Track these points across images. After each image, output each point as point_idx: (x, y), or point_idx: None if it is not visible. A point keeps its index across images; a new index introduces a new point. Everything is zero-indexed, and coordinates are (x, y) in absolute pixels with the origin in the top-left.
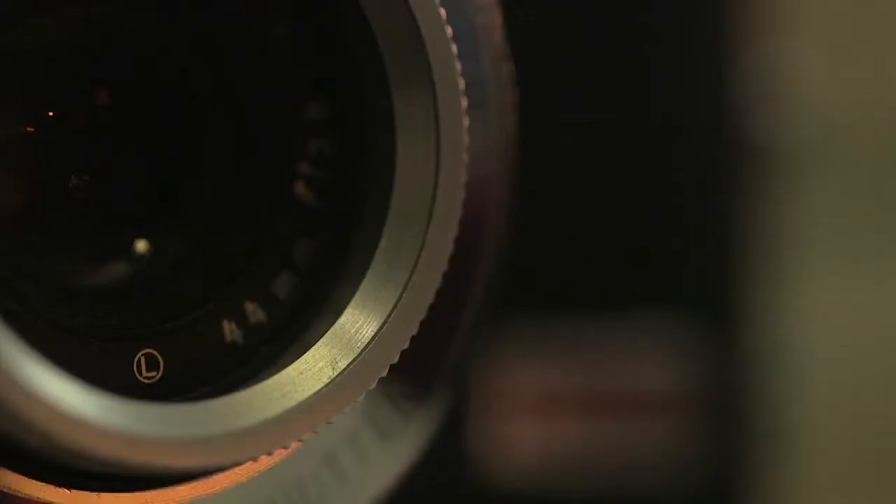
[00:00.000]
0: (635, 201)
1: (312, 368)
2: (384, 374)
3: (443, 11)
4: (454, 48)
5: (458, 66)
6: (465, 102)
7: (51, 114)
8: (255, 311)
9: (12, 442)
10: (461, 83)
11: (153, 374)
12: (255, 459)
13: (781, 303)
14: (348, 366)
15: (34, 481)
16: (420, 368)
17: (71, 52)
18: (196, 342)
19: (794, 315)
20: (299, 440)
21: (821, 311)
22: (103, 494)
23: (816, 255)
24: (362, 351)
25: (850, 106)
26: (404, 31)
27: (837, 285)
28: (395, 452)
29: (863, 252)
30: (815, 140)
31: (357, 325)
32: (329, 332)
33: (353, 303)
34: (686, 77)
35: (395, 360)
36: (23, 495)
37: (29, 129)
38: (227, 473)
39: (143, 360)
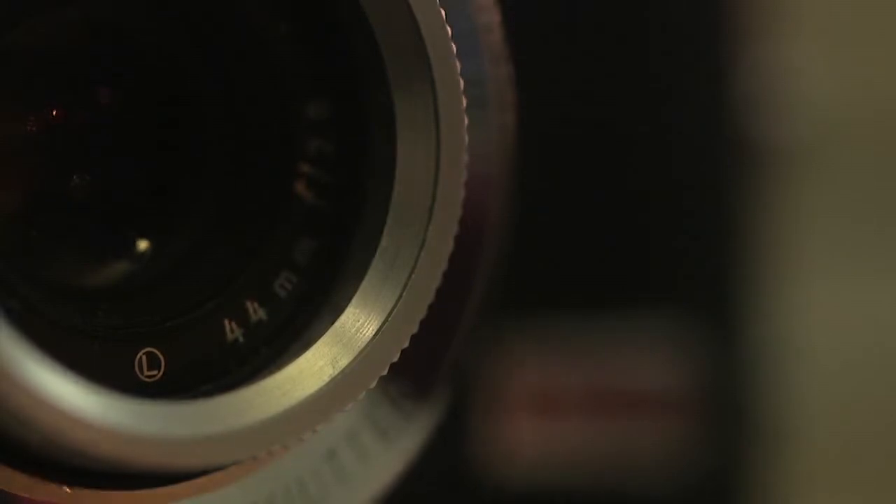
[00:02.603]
0: (635, 201)
1: (313, 367)
2: (384, 373)
3: (443, 11)
4: (454, 48)
5: (458, 66)
6: (465, 102)
7: (53, 114)
8: (255, 310)
9: (12, 440)
10: (461, 83)
11: (154, 373)
12: (255, 458)
13: (780, 302)
14: (349, 365)
15: (33, 479)
16: (420, 368)
17: (72, 52)
18: (197, 341)
19: (792, 314)
20: (300, 439)
21: (819, 309)
22: (103, 492)
23: (814, 254)
24: (363, 350)
25: (848, 105)
26: (404, 31)
27: (835, 284)
28: (395, 451)
29: (859, 250)
30: (813, 139)
31: (357, 325)
32: (329, 331)
33: (353, 302)
34: (686, 77)
35: (396, 359)
36: (22, 494)
37: (30, 128)
38: (227, 471)
39: (144, 359)
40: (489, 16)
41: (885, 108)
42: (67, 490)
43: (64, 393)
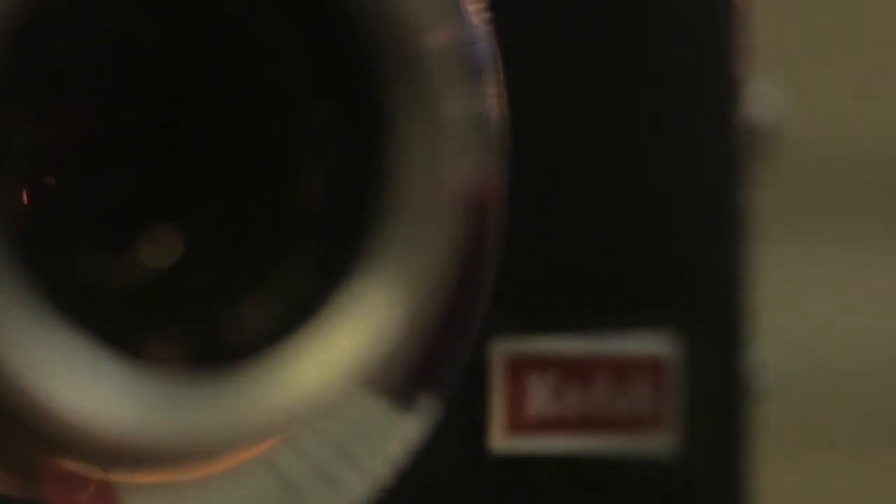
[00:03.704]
0: (628, 215)
1: (318, 364)
2: (387, 372)
3: (444, 10)
4: (455, 47)
5: (459, 65)
6: (465, 102)
7: (53, 115)
8: (261, 308)
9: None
10: (462, 83)
11: (158, 370)
12: (263, 447)
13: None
14: (352, 363)
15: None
16: (422, 368)
17: (72, 52)
18: (206, 337)
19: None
20: (308, 429)
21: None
22: (126, 473)
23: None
24: (366, 349)
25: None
26: (404, 31)
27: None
28: (397, 444)
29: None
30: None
31: (360, 324)
32: (333, 329)
33: (355, 302)
34: (687, 82)
35: (398, 359)
36: (49, 476)
37: (29, 130)
38: (236, 456)
39: (152, 355)
40: (489, 14)
41: (841, 122)
42: (99, 471)
43: (71, 392)
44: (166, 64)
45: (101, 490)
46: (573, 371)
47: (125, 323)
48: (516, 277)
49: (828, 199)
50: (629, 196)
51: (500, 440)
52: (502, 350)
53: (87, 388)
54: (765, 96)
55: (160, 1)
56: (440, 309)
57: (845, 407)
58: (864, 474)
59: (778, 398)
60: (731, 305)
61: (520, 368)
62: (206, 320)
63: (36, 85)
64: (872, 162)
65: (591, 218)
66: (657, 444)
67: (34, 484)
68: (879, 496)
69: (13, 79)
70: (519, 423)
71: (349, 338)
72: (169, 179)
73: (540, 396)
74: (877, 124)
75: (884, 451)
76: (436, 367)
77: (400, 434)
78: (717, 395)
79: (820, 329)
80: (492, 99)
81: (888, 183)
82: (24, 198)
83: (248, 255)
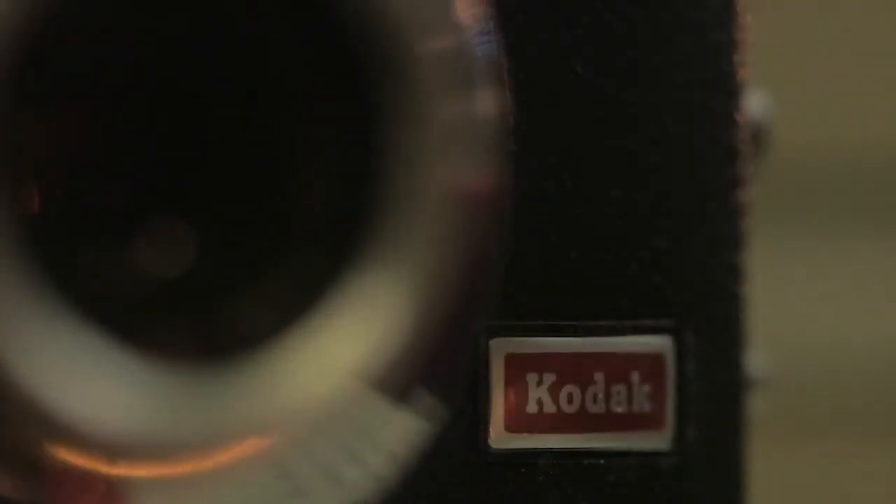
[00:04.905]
0: (627, 214)
1: (319, 361)
2: (388, 369)
3: (446, 8)
4: (456, 47)
5: (459, 64)
6: (464, 101)
7: (62, 117)
8: (262, 309)
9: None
10: (463, 83)
11: (167, 363)
12: (264, 438)
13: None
14: (353, 360)
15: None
16: (423, 366)
17: (72, 53)
18: (209, 332)
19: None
20: (307, 427)
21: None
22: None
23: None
24: (367, 347)
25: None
26: (405, 31)
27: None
28: (399, 445)
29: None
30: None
31: (361, 322)
32: (334, 326)
33: (356, 302)
34: (685, 86)
35: (399, 357)
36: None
37: (40, 132)
38: (239, 450)
39: (157, 349)
40: (490, 13)
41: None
42: (105, 464)
43: (83, 385)
44: (167, 64)
45: (108, 490)
46: (573, 369)
47: (130, 318)
48: (516, 276)
49: (815, 198)
50: (629, 195)
51: (500, 438)
52: (502, 348)
53: (92, 381)
54: (753, 97)
55: (161, 2)
56: (440, 307)
57: (841, 402)
58: (859, 467)
59: (774, 395)
60: (729, 304)
61: (519, 367)
62: (209, 316)
63: (44, 87)
64: (861, 162)
65: (591, 217)
66: (656, 442)
67: (40, 484)
68: (872, 489)
69: (22, 82)
70: (518, 422)
71: (350, 335)
72: (170, 179)
73: (539, 395)
74: (865, 126)
75: (877, 445)
76: (436, 365)
77: (401, 432)
78: (715, 394)
79: (814, 326)
80: (492, 99)
81: (873, 182)
82: (33, 198)
83: (250, 253)
